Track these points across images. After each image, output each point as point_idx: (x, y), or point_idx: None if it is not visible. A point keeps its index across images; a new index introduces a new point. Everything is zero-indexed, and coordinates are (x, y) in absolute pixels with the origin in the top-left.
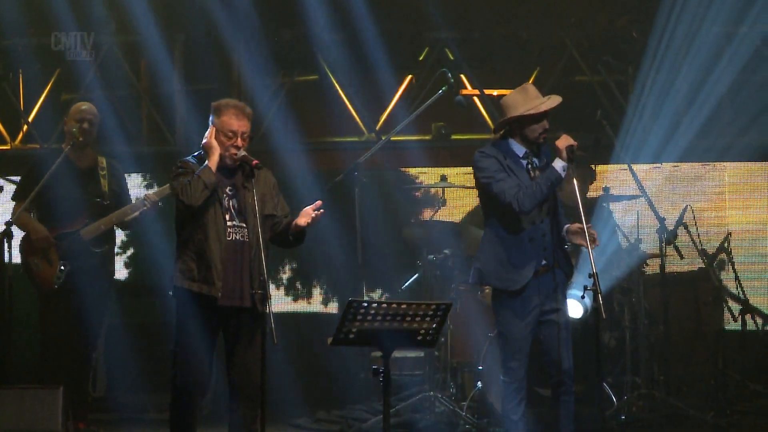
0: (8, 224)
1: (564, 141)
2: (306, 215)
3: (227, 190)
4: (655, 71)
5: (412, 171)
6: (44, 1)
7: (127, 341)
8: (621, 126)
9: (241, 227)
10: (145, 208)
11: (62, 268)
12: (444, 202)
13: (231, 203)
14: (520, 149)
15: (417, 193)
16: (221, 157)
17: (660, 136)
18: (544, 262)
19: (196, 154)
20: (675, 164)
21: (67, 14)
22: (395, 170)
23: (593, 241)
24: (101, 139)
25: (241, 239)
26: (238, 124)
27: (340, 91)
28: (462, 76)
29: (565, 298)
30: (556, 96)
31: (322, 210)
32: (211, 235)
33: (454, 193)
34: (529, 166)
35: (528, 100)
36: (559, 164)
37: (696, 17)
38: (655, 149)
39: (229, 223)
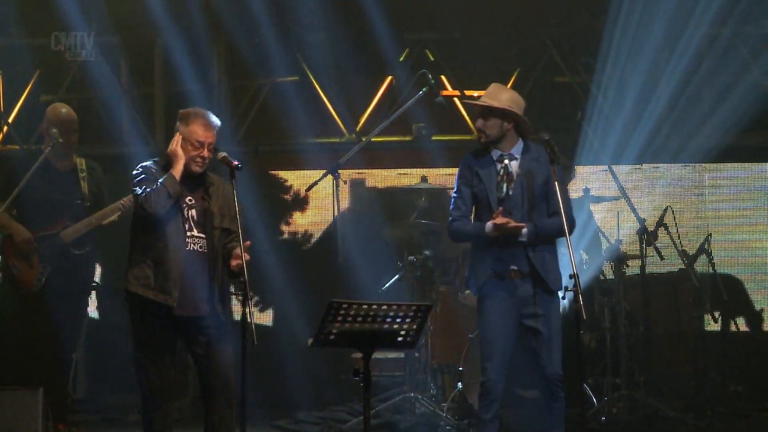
0: None
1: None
2: (236, 257)
3: (187, 200)
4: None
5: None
6: (25, 3)
7: (107, 342)
8: (603, 127)
9: (200, 238)
10: (123, 209)
11: (42, 270)
12: (425, 204)
13: (191, 213)
14: (495, 152)
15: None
16: (185, 165)
17: (641, 137)
18: (514, 267)
19: (156, 159)
20: (655, 165)
21: (47, 15)
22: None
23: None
24: (81, 140)
25: (200, 250)
26: (205, 135)
27: (320, 92)
28: (442, 77)
29: (548, 304)
30: (498, 104)
31: (248, 257)
32: (171, 244)
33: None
34: (502, 170)
35: (484, 95)
36: (489, 228)
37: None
38: (637, 150)
39: (188, 234)
